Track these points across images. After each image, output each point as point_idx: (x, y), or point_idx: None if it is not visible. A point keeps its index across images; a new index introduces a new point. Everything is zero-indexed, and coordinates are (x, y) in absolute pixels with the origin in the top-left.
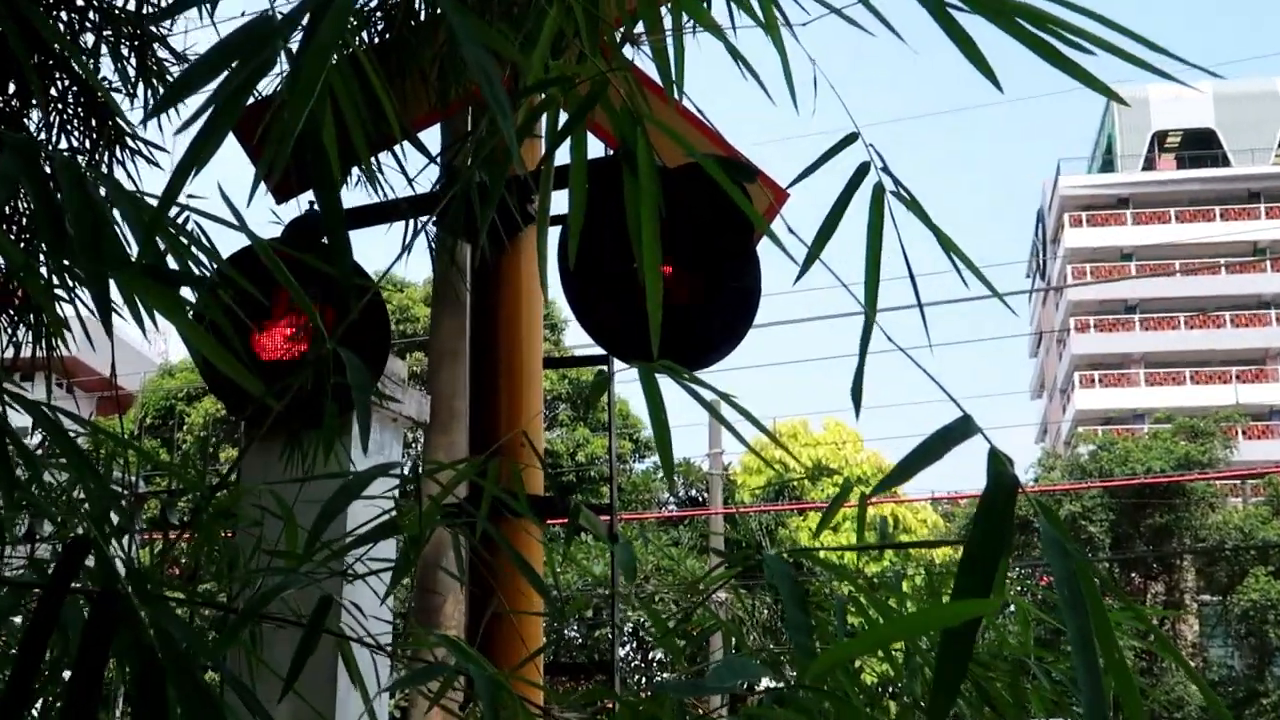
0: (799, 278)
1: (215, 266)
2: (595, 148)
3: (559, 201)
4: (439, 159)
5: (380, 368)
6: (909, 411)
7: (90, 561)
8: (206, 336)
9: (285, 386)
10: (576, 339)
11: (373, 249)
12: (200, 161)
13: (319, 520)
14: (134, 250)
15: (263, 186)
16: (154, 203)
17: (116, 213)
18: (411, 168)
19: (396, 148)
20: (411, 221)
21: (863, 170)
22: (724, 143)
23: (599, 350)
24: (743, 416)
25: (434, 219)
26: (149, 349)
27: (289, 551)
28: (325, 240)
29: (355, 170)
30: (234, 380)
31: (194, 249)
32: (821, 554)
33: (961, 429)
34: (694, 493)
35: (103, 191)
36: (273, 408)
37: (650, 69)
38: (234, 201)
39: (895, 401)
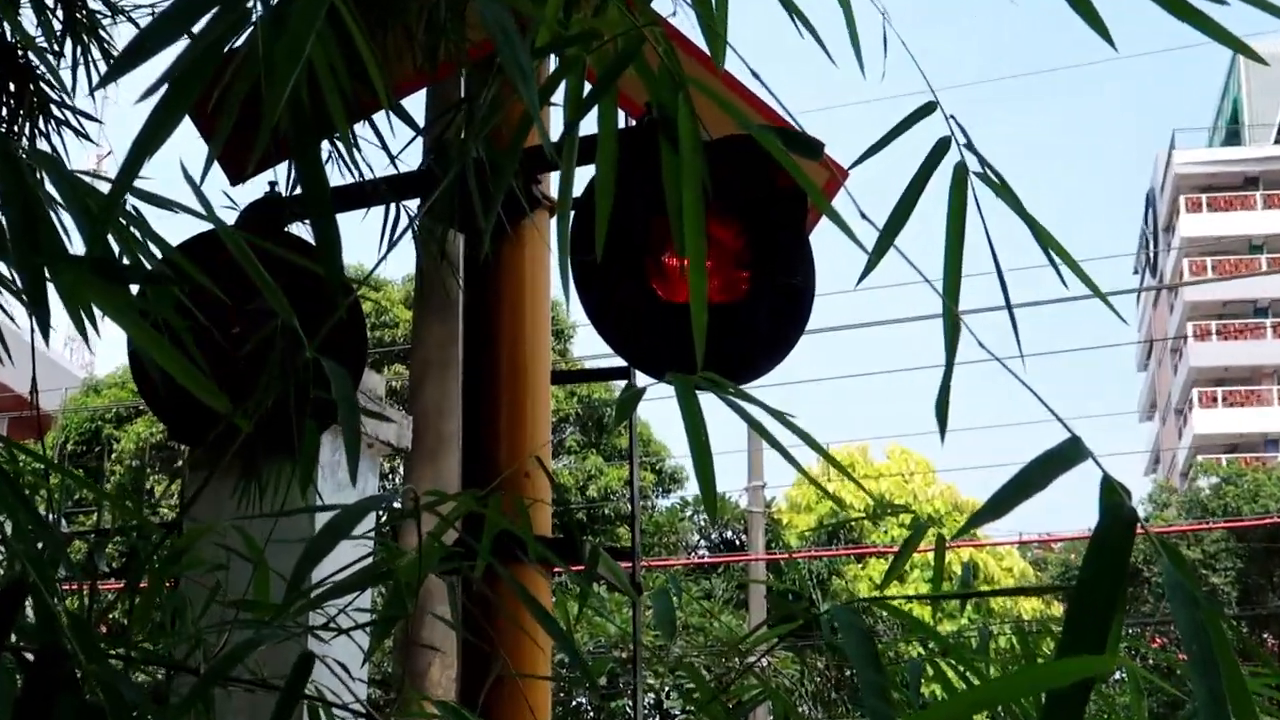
0: (867, 271)
1: (165, 260)
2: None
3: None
4: (425, 132)
5: (356, 381)
6: (987, 437)
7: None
8: (166, 345)
9: (253, 405)
10: (585, 348)
11: (344, 238)
12: (160, 138)
13: (302, 563)
14: (73, 240)
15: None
16: (96, 184)
17: (53, 194)
18: (393, 142)
19: (374, 117)
20: (393, 206)
21: (941, 146)
22: (770, 111)
23: (617, 361)
24: (802, 441)
25: (420, 203)
26: (69, 361)
27: (258, 601)
28: (292, 227)
29: (325, 144)
30: (179, 398)
31: (142, 240)
32: (895, 605)
33: (1068, 454)
34: (730, 534)
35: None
36: (232, 430)
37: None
38: (188, 181)
39: (971, 424)
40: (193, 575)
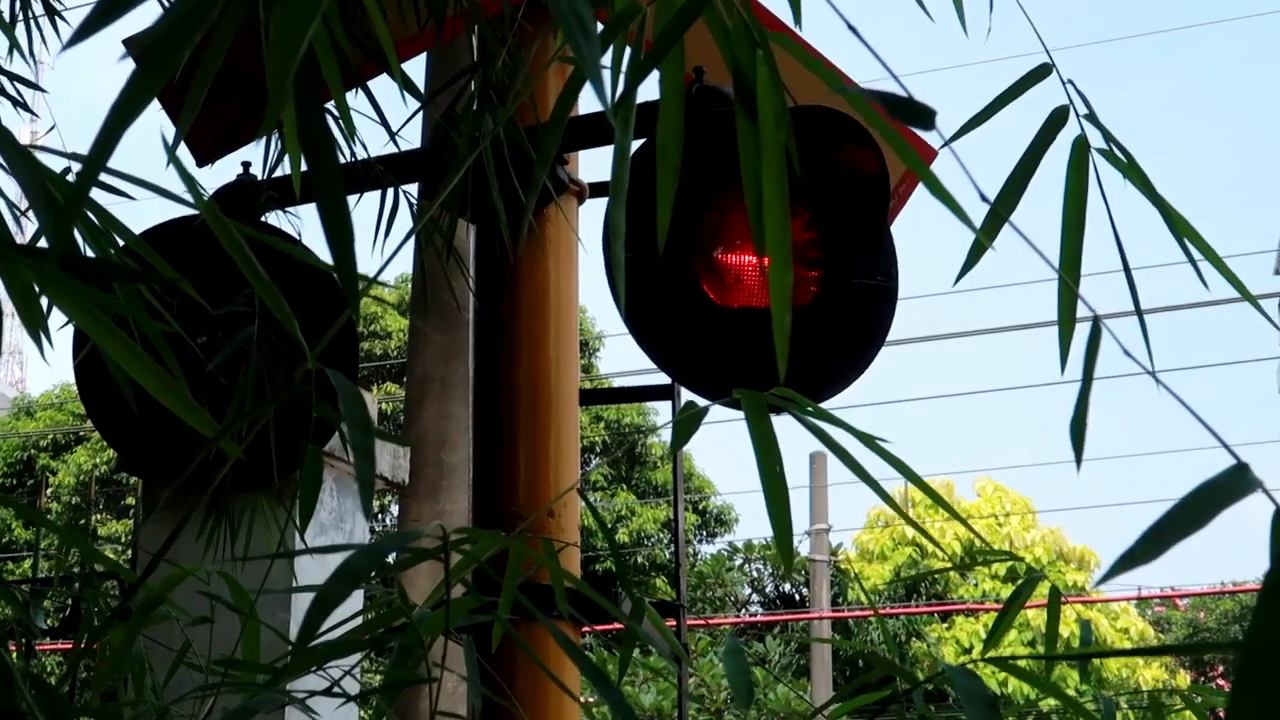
0: (972, 262)
1: (128, 253)
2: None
3: (592, 161)
4: (424, 103)
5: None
6: (1098, 472)
7: None
8: (143, 356)
9: (241, 427)
10: (613, 364)
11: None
12: (135, 112)
13: (312, 614)
14: (18, 227)
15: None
16: (49, 163)
17: None
18: (391, 115)
19: (368, 85)
20: (390, 192)
21: (1058, 118)
22: (851, 83)
23: (657, 378)
24: (901, 474)
25: (423, 188)
26: None
27: (247, 662)
28: (267, 217)
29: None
30: (135, 422)
31: (103, 228)
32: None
33: (1234, 485)
34: (788, 588)
35: None
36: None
37: None
38: (172, 159)
39: (1066, 455)
40: (146, 632)
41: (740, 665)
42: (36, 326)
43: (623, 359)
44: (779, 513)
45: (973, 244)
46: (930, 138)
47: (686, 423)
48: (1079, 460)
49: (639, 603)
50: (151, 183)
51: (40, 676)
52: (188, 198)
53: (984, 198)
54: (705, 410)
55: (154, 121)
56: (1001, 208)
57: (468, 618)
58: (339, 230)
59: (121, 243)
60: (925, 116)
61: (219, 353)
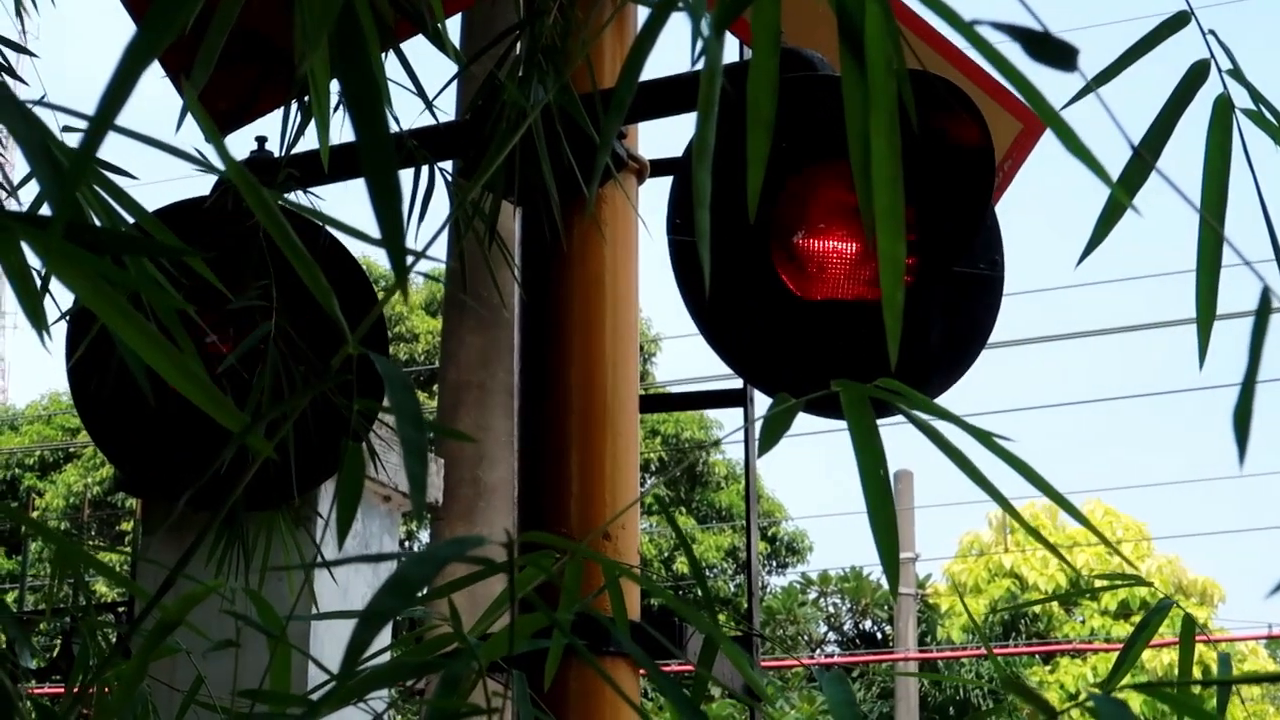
0: (1097, 240)
1: (136, 228)
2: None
3: (653, 134)
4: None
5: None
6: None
7: None
8: (162, 341)
9: (279, 426)
10: (670, 371)
11: (347, 212)
12: (141, 68)
13: (360, 633)
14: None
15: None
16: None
17: None
18: (427, 81)
19: (395, 51)
20: (425, 170)
21: (1198, 73)
22: (948, 45)
23: (725, 383)
24: (1032, 483)
25: (462, 166)
26: None
27: (278, 693)
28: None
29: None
30: (138, 432)
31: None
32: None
33: None
34: (869, 624)
35: None
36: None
37: None
38: (202, 126)
39: (1177, 475)
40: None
41: (846, 695)
42: (34, 308)
43: (682, 365)
44: (883, 525)
45: (1105, 208)
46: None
47: (776, 420)
48: (1242, 455)
49: (715, 636)
50: (171, 145)
51: (49, 708)
52: (194, 167)
53: (1132, 145)
54: (798, 406)
55: (154, 100)
56: (1134, 175)
57: (518, 646)
58: (388, 199)
59: (130, 220)
60: (1068, 56)
61: (230, 352)
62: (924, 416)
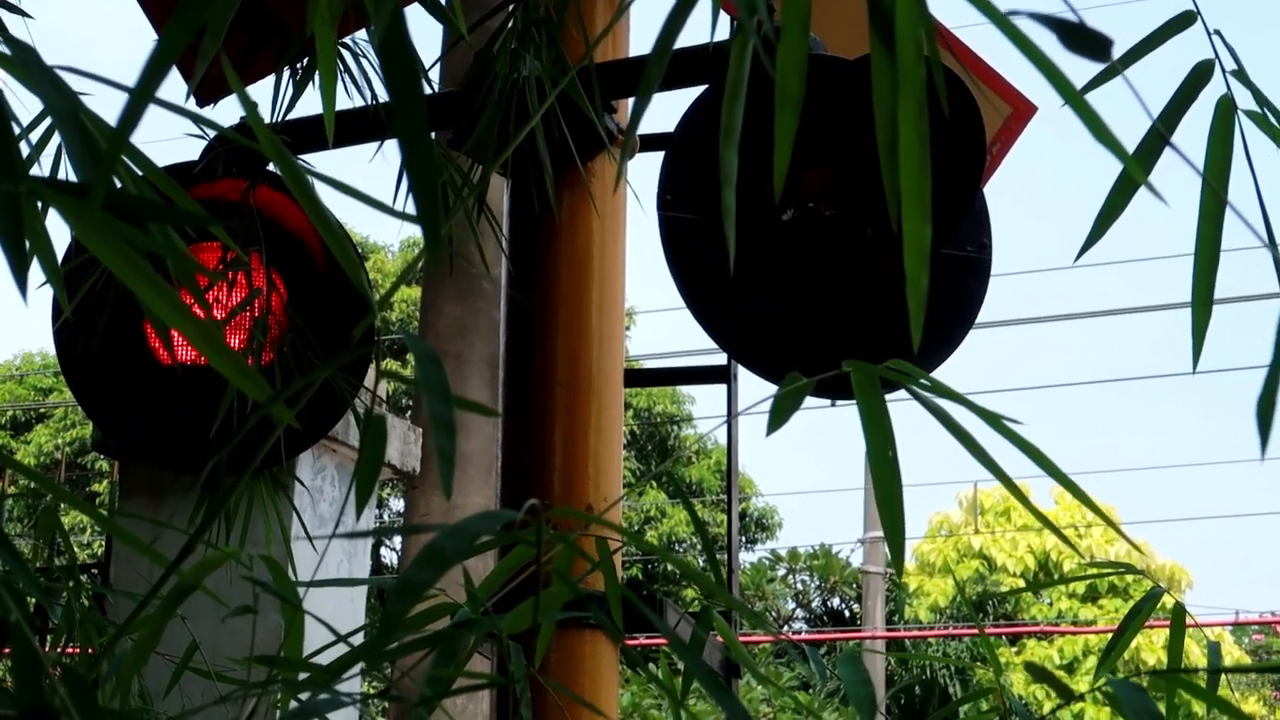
0: (1086, 248)
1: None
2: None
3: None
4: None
5: (361, 375)
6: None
7: None
8: (186, 308)
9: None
10: (645, 344)
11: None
12: (182, 41)
13: (395, 601)
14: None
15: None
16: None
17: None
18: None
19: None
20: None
21: (1202, 73)
22: (958, 44)
23: (698, 362)
24: (1036, 462)
25: (456, 137)
26: None
27: (293, 660)
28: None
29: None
30: (125, 392)
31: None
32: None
33: None
34: (837, 602)
35: None
36: (190, 441)
37: None
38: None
39: (1145, 461)
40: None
41: (860, 675)
42: (48, 263)
43: (655, 339)
44: (890, 503)
45: (1115, 184)
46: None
47: (786, 398)
48: (1264, 443)
49: (706, 610)
50: (190, 110)
51: (74, 669)
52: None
53: (1150, 114)
54: (809, 385)
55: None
56: (1139, 167)
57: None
58: (424, 165)
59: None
60: (1102, 46)
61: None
62: (931, 396)
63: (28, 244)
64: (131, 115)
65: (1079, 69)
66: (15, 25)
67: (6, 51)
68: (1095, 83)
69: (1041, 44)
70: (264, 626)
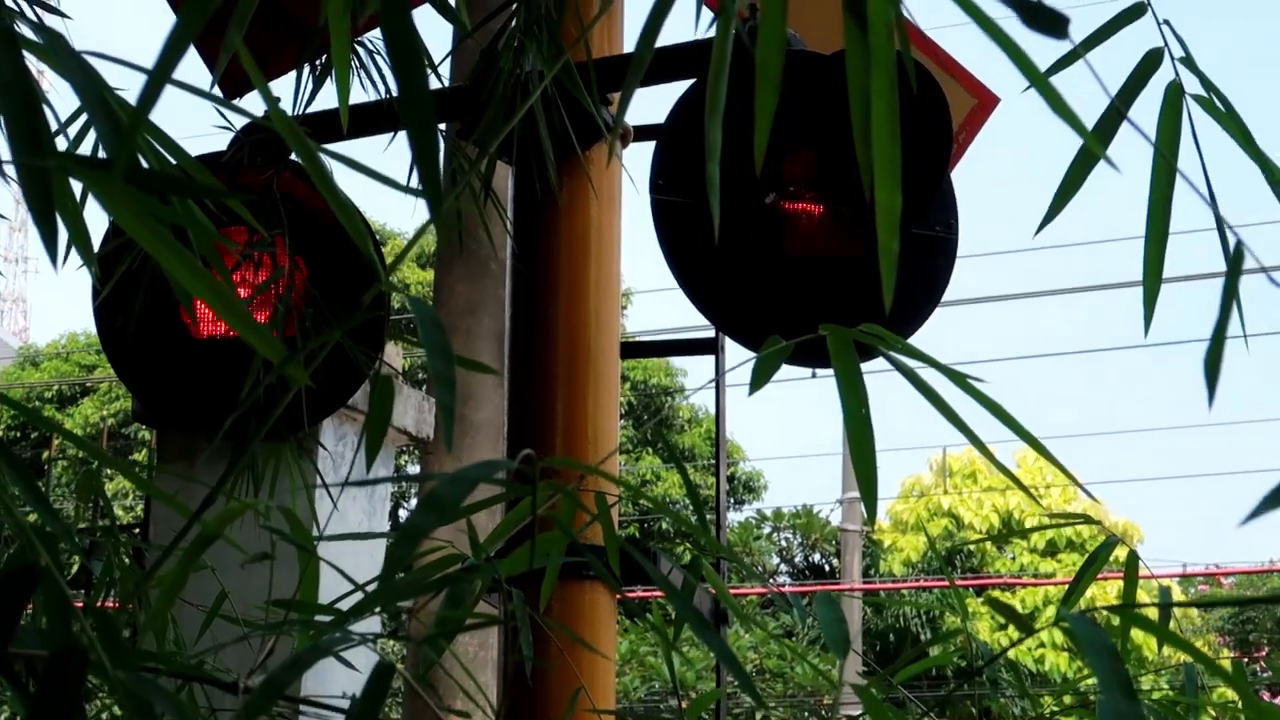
0: (1047, 221)
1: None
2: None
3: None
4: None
5: (378, 348)
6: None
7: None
8: (209, 277)
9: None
10: (642, 321)
11: (350, 174)
12: (192, 30)
13: (399, 546)
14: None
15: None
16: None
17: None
18: (432, 44)
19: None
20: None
21: (1151, 61)
22: (921, 37)
23: (701, 331)
24: (1004, 422)
25: (464, 128)
26: None
27: (308, 603)
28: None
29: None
30: (161, 365)
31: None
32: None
33: None
34: (818, 558)
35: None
36: (218, 409)
37: None
38: (256, 77)
39: (1102, 427)
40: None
41: (835, 614)
42: (80, 241)
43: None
44: (864, 461)
45: (1074, 161)
46: (999, 86)
47: (766, 361)
48: (1211, 398)
49: (697, 560)
50: (216, 96)
51: (103, 611)
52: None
53: (1108, 93)
54: (788, 349)
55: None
56: (1088, 155)
57: (536, 563)
58: (427, 147)
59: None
60: (1059, 24)
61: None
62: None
63: (61, 221)
64: (152, 91)
65: (1039, 58)
66: (53, 25)
67: (38, 40)
68: (1056, 67)
69: (1005, 31)
70: (287, 579)
